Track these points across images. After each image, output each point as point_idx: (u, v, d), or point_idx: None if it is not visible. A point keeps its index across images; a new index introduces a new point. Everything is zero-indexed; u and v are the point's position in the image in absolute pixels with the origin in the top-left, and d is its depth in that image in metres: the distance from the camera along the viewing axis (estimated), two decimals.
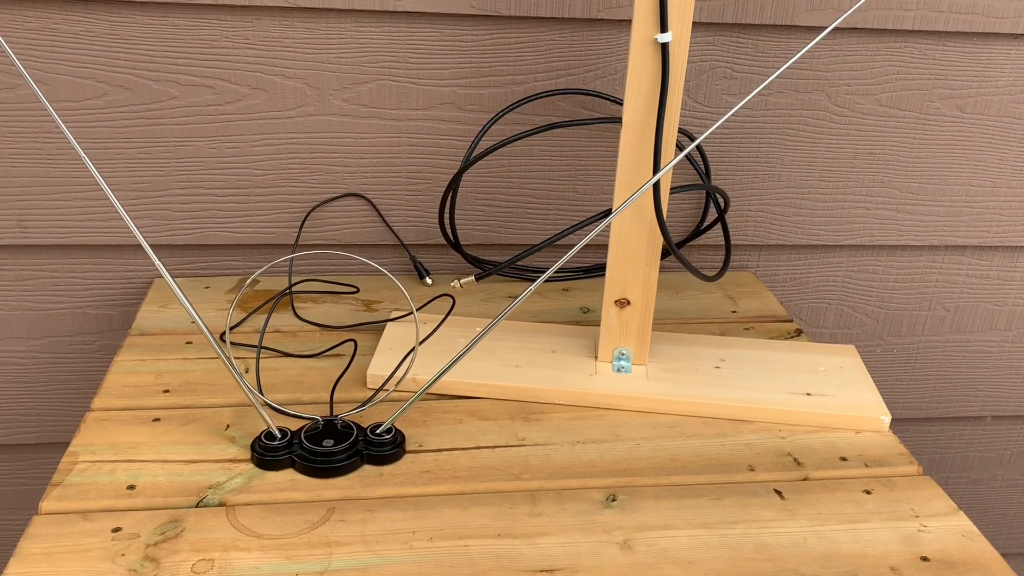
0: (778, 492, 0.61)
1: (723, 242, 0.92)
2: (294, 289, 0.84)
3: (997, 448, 1.08)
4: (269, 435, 0.61)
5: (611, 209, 0.70)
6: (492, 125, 0.79)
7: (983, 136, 0.90)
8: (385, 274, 0.57)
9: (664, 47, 0.61)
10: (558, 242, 0.76)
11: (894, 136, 0.89)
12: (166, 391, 0.69)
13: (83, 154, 0.54)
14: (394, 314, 0.79)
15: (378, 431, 0.62)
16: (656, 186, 0.64)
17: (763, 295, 0.89)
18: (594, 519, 0.58)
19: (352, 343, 0.75)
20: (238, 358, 0.73)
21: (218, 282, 0.86)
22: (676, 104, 0.63)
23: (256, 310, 0.80)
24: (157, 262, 0.56)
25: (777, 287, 0.95)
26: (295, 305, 0.82)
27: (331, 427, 0.63)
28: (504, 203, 0.88)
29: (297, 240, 0.85)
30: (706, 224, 0.89)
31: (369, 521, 0.57)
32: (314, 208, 0.85)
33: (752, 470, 0.63)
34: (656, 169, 0.63)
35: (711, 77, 0.85)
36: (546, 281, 0.89)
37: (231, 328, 0.77)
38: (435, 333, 0.74)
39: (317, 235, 0.87)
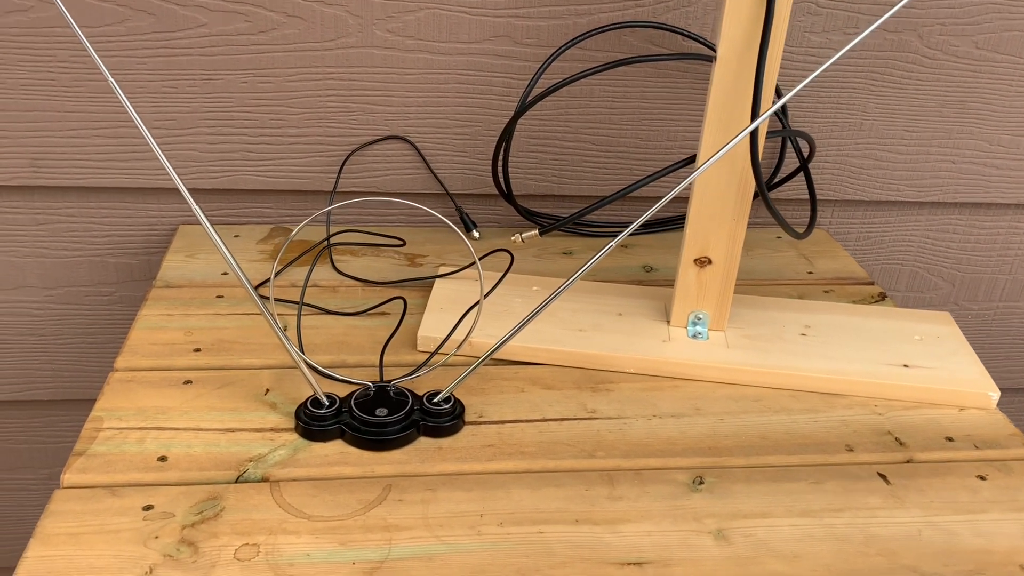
0: (882, 476, 0.55)
1: (800, 196, 0.85)
2: (332, 241, 0.77)
3: None
4: (316, 402, 0.55)
5: (695, 156, 0.62)
6: (552, 62, 0.71)
7: None
8: (444, 221, 0.50)
9: None
10: (631, 194, 0.69)
11: (989, 83, 0.81)
12: (197, 350, 0.62)
13: (115, 84, 0.47)
14: (442, 269, 0.72)
15: (435, 400, 0.56)
16: (754, 132, 0.56)
17: (839, 255, 0.82)
18: (681, 504, 0.51)
19: (401, 301, 0.68)
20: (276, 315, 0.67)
21: (248, 231, 0.79)
22: (781, 38, 0.56)
23: (292, 262, 0.73)
24: (195, 207, 0.49)
25: (850, 245, 0.88)
26: (333, 258, 0.75)
27: (383, 394, 0.57)
28: (559, 150, 0.80)
29: (335, 186, 0.78)
30: (784, 175, 0.82)
31: (431, 502, 0.50)
32: (353, 152, 0.78)
33: (851, 450, 0.57)
34: (755, 113, 0.56)
35: (794, 12, 0.76)
36: (602, 236, 0.82)
37: (266, 282, 0.71)
38: (492, 293, 0.67)
39: (355, 181, 0.79)
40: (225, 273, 0.72)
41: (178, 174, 0.77)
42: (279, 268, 0.72)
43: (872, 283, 0.77)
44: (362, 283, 0.72)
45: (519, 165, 0.81)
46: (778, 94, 0.79)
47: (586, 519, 0.50)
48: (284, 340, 0.53)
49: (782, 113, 0.80)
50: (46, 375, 0.85)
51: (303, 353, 0.61)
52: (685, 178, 0.53)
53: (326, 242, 0.76)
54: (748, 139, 0.57)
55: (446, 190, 0.80)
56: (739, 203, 0.61)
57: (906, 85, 0.80)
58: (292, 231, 0.79)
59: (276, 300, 0.68)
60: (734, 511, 0.51)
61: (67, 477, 0.51)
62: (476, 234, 0.80)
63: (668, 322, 0.66)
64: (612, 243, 0.54)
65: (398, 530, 0.48)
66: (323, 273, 0.73)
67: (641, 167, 0.82)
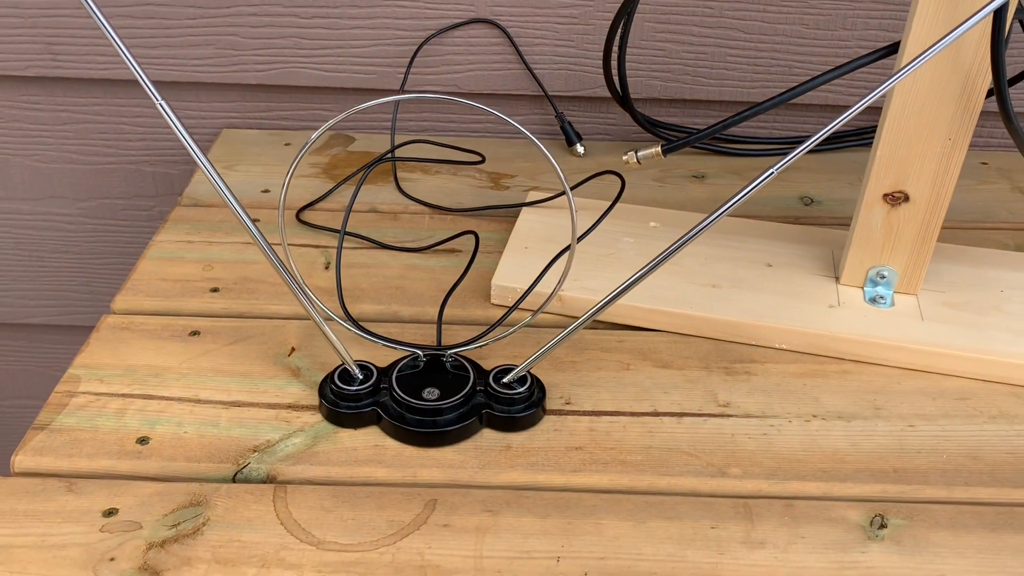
0: None
1: None
2: (398, 153, 0.61)
3: None
4: (346, 374, 0.41)
5: (897, 44, 0.43)
6: None
7: None
8: (526, 134, 0.34)
9: None
10: (792, 100, 0.50)
11: None
12: (215, 289, 0.49)
13: None
14: (531, 196, 0.56)
15: (506, 379, 0.41)
16: (1001, 10, 0.37)
17: None
18: (854, 560, 0.35)
19: (472, 236, 0.52)
20: (316, 247, 0.53)
21: (303, 137, 0.65)
22: None
23: (348, 179, 0.59)
24: (163, 105, 0.35)
25: None
26: (398, 176, 0.60)
27: (437, 366, 0.42)
28: (696, 39, 0.61)
29: (404, 83, 0.62)
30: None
31: (489, 530, 0.36)
32: (428, 39, 0.62)
33: None
34: None
35: None
36: (746, 156, 0.64)
37: (309, 206, 0.56)
38: (593, 230, 0.51)
39: (431, 79, 0.63)
40: (266, 191, 0.58)
41: (217, 65, 0.63)
42: (332, 186, 0.58)
43: None
44: (431, 209, 0.56)
45: (641, 60, 0.62)
46: None
47: (711, 574, 0.34)
48: (289, 281, 0.39)
49: None
50: (84, 298, 0.75)
51: (343, 302, 0.47)
52: (880, 81, 0.34)
53: (390, 155, 0.60)
54: (989, 19, 0.38)
55: (544, 91, 0.63)
56: (962, 116, 0.42)
57: None
58: (353, 139, 0.64)
59: (319, 228, 0.54)
60: (932, 572, 0.34)
61: (19, 459, 0.39)
62: (581, 149, 0.63)
63: (837, 279, 0.48)
64: (772, 170, 0.36)
65: (439, 573, 0.34)
66: (385, 194, 0.58)
67: (805, 65, 0.62)
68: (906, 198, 0.45)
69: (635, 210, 0.54)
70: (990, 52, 0.39)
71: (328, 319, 0.43)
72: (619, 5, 0.52)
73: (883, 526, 0.37)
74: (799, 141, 0.64)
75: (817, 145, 0.64)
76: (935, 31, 0.40)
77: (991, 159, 0.64)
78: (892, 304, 0.47)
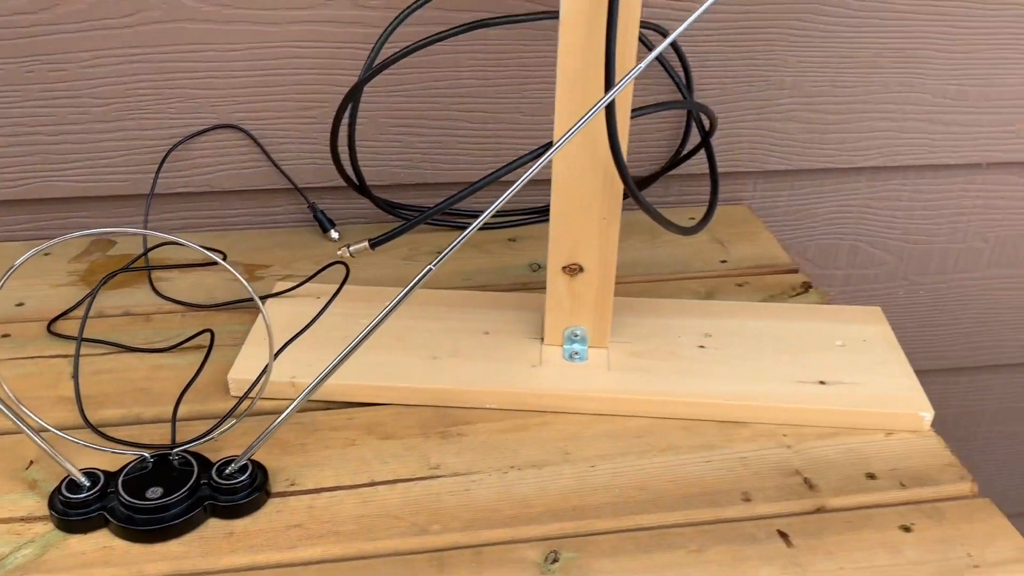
0: (783, 535, 0.44)
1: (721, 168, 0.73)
2: (154, 256, 0.65)
3: None
4: (73, 483, 0.44)
5: (552, 142, 0.50)
6: (399, 24, 0.59)
7: None
8: (220, 264, 0.38)
9: None
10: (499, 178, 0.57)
11: (930, 26, 0.69)
12: None
13: None
14: (279, 286, 0.60)
15: (228, 469, 0.45)
16: (610, 109, 0.45)
17: (760, 236, 0.70)
18: None
19: (208, 334, 0.56)
20: (67, 357, 0.55)
21: (62, 246, 0.67)
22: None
23: (103, 283, 0.62)
24: None
25: (778, 222, 0.77)
26: (153, 277, 0.63)
27: (165, 465, 0.45)
28: (428, 131, 0.68)
29: (153, 188, 0.66)
30: (688, 150, 0.70)
31: None
32: (175, 146, 0.66)
33: (748, 500, 0.46)
34: (609, 85, 0.44)
35: None
36: (486, 229, 0.70)
37: (62, 315, 0.59)
38: (328, 314, 0.56)
39: (183, 180, 0.67)
40: (20, 304, 0.60)
41: None
42: (88, 291, 0.60)
43: (795, 270, 0.66)
44: (184, 307, 0.60)
45: (383, 150, 0.68)
46: (676, 50, 0.67)
47: None
48: None
49: (684, 78, 0.67)
50: None
51: (81, 409, 0.50)
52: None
53: (144, 258, 0.64)
54: (606, 121, 0.45)
55: (294, 184, 0.68)
56: (607, 198, 0.49)
57: (833, 32, 0.68)
58: (113, 243, 0.67)
59: (65, 338, 0.57)
60: None
61: None
62: (335, 234, 0.68)
63: (542, 340, 0.55)
64: (431, 267, 0.42)
65: None
66: (138, 296, 0.61)
67: (527, 146, 0.70)
68: (581, 269, 0.52)
69: (373, 291, 0.60)
70: (609, 145, 0.46)
71: (43, 430, 0.46)
72: (349, 108, 0.58)
73: (555, 560, 0.43)
74: (539, 211, 0.72)
75: (544, 214, 0.71)
76: (572, 121, 0.47)
77: (696, 213, 0.73)
78: (586, 359, 0.54)
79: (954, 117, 0.73)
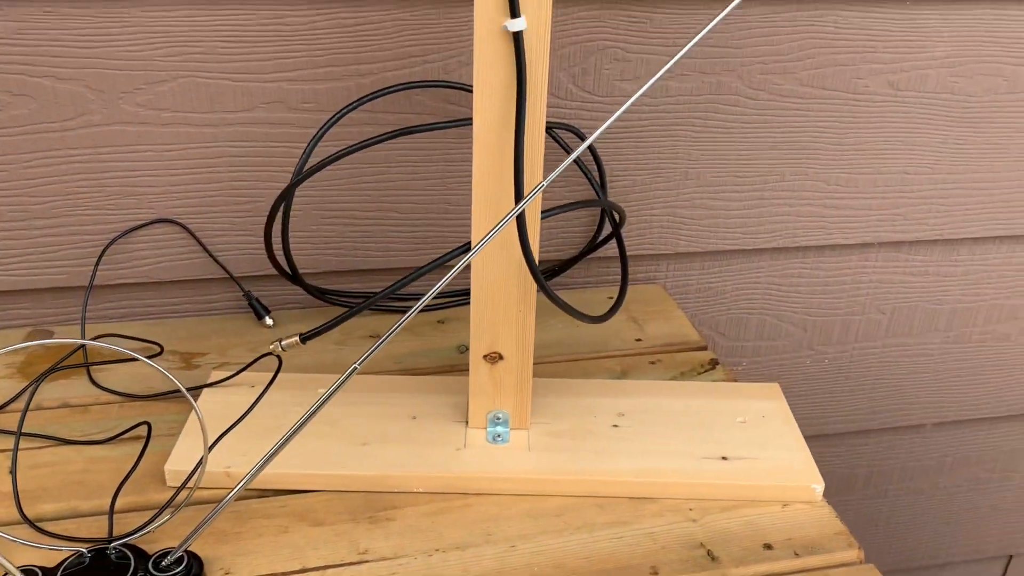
0: None
1: (632, 252, 0.78)
2: (92, 345, 0.66)
3: (938, 456, 0.98)
4: None
5: (471, 244, 0.55)
6: (330, 129, 0.63)
7: (919, 116, 0.78)
8: (148, 363, 0.41)
9: (517, 36, 0.46)
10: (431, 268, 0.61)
11: (818, 121, 0.76)
12: None
13: None
14: (215, 375, 0.63)
15: (164, 562, 0.47)
16: (520, 218, 0.49)
17: (673, 315, 0.75)
18: None
19: (146, 426, 0.58)
20: (5, 451, 0.57)
21: (4, 338, 0.69)
22: (540, 108, 0.48)
23: (42, 376, 0.63)
24: None
25: (691, 298, 0.82)
26: (91, 368, 0.65)
27: (102, 559, 0.47)
28: (359, 220, 0.72)
29: (92, 281, 0.68)
30: (601, 238, 0.75)
31: None
32: (113, 240, 0.68)
33: (656, 574, 0.50)
34: (519, 196, 0.48)
35: (600, 60, 0.70)
36: (424, 311, 0.74)
37: (2, 407, 0.60)
38: (262, 403, 0.58)
39: (122, 272, 0.70)
40: None
41: None
42: (27, 384, 0.62)
43: (704, 347, 0.71)
44: (121, 398, 0.62)
45: (315, 239, 0.72)
46: (590, 149, 0.72)
47: None
48: None
49: (598, 171, 0.73)
50: None
51: (18, 503, 0.52)
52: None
53: (83, 349, 0.66)
54: (517, 228, 0.50)
55: (229, 274, 0.71)
56: (523, 292, 0.54)
57: (732, 128, 0.75)
58: (52, 333, 0.69)
59: (0, 432, 0.58)
60: None
61: None
62: (270, 321, 0.71)
63: (467, 423, 0.59)
64: (355, 364, 0.46)
65: None
66: (76, 388, 0.63)
67: (454, 234, 0.74)
68: (501, 357, 0.56)
69: (307, 379, 0.63)
70: (521, 249, 0.51)
71: None
72: (281, 201, 0.61)
73: None
74: (466, 292, 0.76)
75: (460, 300, 0.75)
76: (488, 229, 0.52)
77: (614, 292, 0.78)
78: (508, 440, 0.57)
79: (846, 202, 0.80)
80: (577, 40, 0.69)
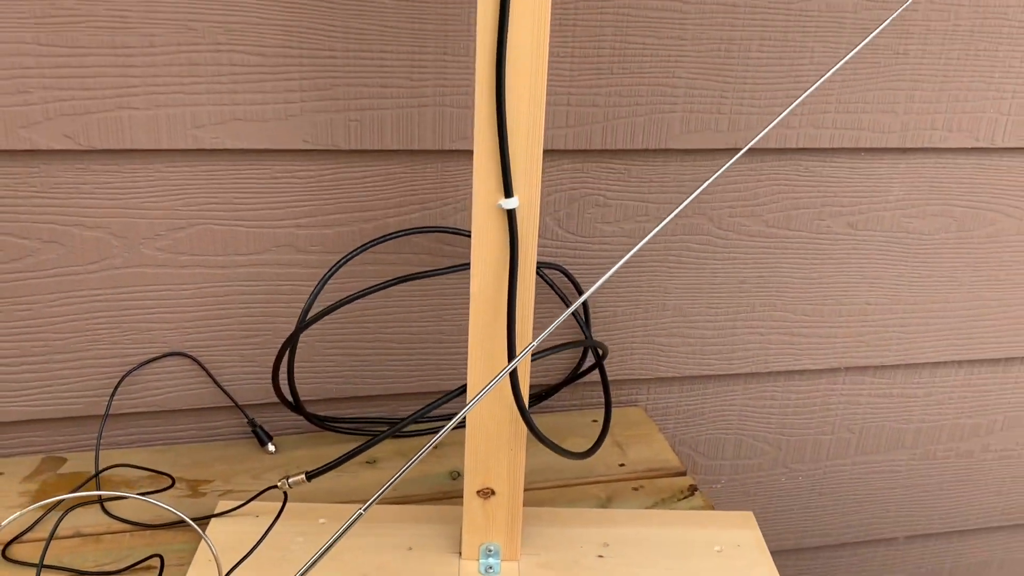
0: None
1: (615, 377, 0.83)
2: (105, 475, 0.70)
3: (911, 568, 1.02)
4: None
5: (466, 386, 0.60)
6: (332, 275, 0.68)
7: (877, 252, 0.84)
8: (161, 506, 0.45)
9: (511, 213, 0.52)
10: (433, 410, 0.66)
11: (784, 257, 0.82)
12: None
13: None
14: (221, 505, 0.66)
15: None
16: (513, 374, 0.54)
17: (654, 438, 0.80)
18: None
19: (158, 559, 0.62)
20: None
21: (13, 465, 0.72)
22: (529, 276, 0.54)
23: (54, 505, 0.67)
24: None
25: (670, 420, 0.87)
26: (104, 497, 0.68)
27: None
28: (359, 351, 0.77)
29: (107, 411, 0.72)
30: (584, 368, 0.80)
31: None
32: (128, 372, 0.73)
33: None
34: (511, 355, 0.53)
35: (583, 205, 0.76)
36: (410, 436, 0.78)
37: (19, 537, 0.64)
38: (269, 534, 0.62)
39: (135, 402, 0.74)
40: None
41: None
42: (42, 515, 0.65)
43: (684, 473, 0.75)
44: (132, 527, 0.65)
45: (317, 368, 0.77)
46: (574, 283, 0.78)
47: None
48: None
49: (584, 318, 0.79)
50: None
51: None
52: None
53: (95, 480, 0.69)
54: (510, 381, 0.55)
55: (235, 402, 0.75)
56: (514, 434, 0.58)
57: (704, 265, 0.81)
58: (64, 460, 0.73)
59: (20, 564, 0.61)
60: None
61: None
62: (272, 447, 0.75)
63: (460, 555, 0.62)
64: (360, 511, 0.50)
65: None
66: (89, 517, 0.66)
67: (447, 362, 0.79)
68: (493, 492, 0.60)
69: (307, 508, 0.66)
70: (514, 399, 0.55)
71: None
72: (291, 332, 0.66)
73: None
74: (438, 418, 0.80)
75: (455, 426, 0.79)
76: (484, 380, 0.57)
77: (599, 417, 0.83)
78: (499, 572, 0.61)
79: (813, 331, 0.86)
80: (562, 188, 0.75)
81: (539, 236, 0.76)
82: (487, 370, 0.56)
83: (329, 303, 0.66)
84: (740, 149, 0.76)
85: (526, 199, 0.52)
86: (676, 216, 0.79)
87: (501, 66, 0.49)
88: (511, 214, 0.52)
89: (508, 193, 0.51)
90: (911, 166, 0.81)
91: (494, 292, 0.54)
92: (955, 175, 0.83)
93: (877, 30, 0.52)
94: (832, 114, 0.78)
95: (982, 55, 0.78)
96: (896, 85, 0.78)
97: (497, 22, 0.48)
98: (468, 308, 0.55)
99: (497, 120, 0.50)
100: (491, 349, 0.55)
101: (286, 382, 0.72)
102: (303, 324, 0.66)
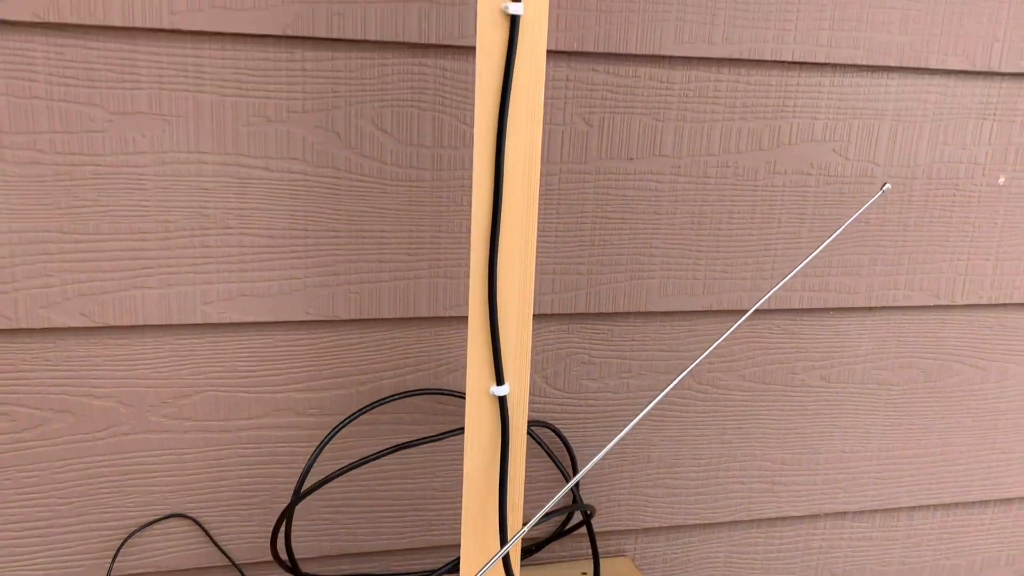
0: None
1: (602, 529, 0.86)
2: None
3: None
4: None
5: (458, 559, 0.62)
6: (328, 443, 0.72)
7: (851, 403, 0.88)
8: None
9: (502, 400, 0.56)
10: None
11: (761, 409, 0.86)
12: None
13: None
14: None
15: None
16: (507, 558, 0.57)
17: None
18: None
19: None
20: None
21: None
22: (519, 461, 0.57)
23: None
24: None
25: (658, 569, 0.89)
26: None
27: None
28: (352, 509, 0.79)
29: (109, 572, 0.74)
30: (571, 526, 0.83)
31: None
32: (131, 535, 0.75)
33: None
34: (504, 540, 0.56)
35: (569, 363, 0.80)
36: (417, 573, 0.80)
37: None
38: None
39: (136, 562, 0.76)
40: None
41: None
42: None
43: None
44: None
45: (313, 527, 0.79)
46: (561, 439, 0.81)
47: None
48: None
49: (570, 456, 0.82)
50: None
51: None
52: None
53: None
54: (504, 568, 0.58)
55: (232, 561, 0.77)
56: None
57: (686, 418, 0.85)
58: None
59: None
60: None
61: None
62: None
63: None
64: None
65: None
66: None
67: (439, 518, 0.81)
68: None
69: None
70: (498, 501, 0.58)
71: None
72: (290, 491, 0.68)
73: None
74: (426, 571, 0.82)
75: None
76: (477, 558, 0.59)
77: (587, 567, 0.85)
78: None
79: (792, 479, 0.89)
80: (549, 348, 0.80)
81: (528, 394, 0.80)
82: (483, 550, 0.58)
83: (326, 463, 0.69)
84: (716, 311, 0.81)
85: (516, 387, 0.56)
86: (655, 373, 0.83)
87: (494, 263, 0.54)
88: (503, 401, 0.56)
89: (499, 382, 0.55)
90: (877, 323, 0.86)
91: (486, 474, 0.57)
92: (920, 330, 0.88)
93: (865, 206, 0.57)
94: (800, 277, 0.83)
95: (936, 221, 0.85)
96: (860, 250, 0.84)
97: (490, 223, 0.53)
98: (460, 465, 0.58)
99: (488, 311, 0.54)
100: (484, 527, 0.58)
101: (283, 543, 0.74)
102: (299, 495, 0.68)
